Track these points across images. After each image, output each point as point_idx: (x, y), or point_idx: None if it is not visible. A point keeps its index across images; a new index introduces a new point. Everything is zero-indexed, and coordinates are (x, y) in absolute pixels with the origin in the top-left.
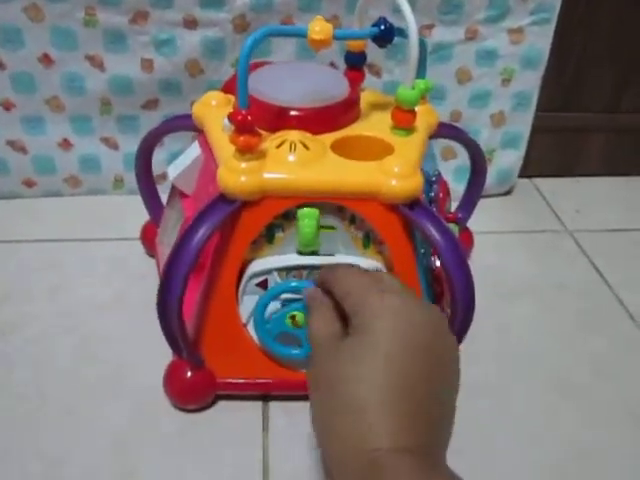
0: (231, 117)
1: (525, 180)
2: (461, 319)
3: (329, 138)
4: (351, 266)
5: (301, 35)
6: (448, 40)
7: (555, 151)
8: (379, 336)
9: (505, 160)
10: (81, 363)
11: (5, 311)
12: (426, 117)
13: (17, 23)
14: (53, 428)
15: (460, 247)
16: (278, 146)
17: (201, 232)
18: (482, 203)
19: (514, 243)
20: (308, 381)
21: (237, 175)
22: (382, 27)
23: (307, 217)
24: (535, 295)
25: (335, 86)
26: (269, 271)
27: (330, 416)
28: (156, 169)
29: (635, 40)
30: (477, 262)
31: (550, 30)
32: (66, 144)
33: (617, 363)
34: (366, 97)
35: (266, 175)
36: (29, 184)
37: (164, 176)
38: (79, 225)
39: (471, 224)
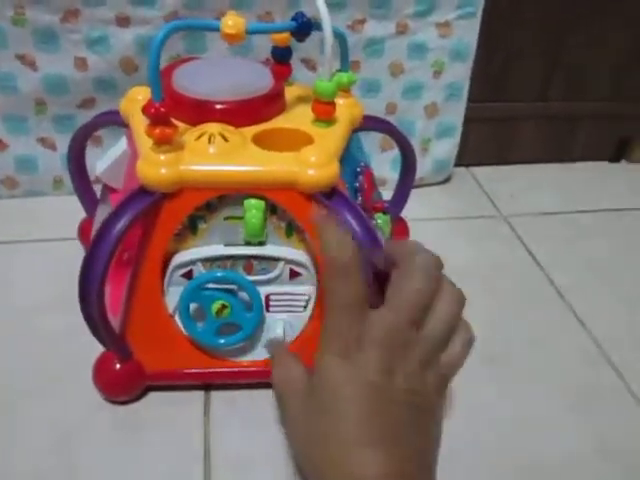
0: (144, 110)
1: (462, 169)
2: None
3: (251, 130)
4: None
5: (214, 29)
6: (380, 35)
7: (489, 140)
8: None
9: (441, 150)
10: (21, 362)
11: None
12: (350, 109)
13: None
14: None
15: (377, 236)
16: (197, 138)
17: (120, 224)
18: (421, 191)
19: (452, 229)
20: (287, 428)
21: (156, 167)
22: (299, 21)
23: (254, 208)
24: (471, 277)
25: (258, 80)
26: (193, 262)
27: (319, 450)
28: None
29: (560, 30)
30: None
31: (476, 23)
32: (1, 145)
33: (547, 338)
34: (292, 91)
35: (184, 167)
36: None
37: None
38: (18, 227)
39: (410, 212)
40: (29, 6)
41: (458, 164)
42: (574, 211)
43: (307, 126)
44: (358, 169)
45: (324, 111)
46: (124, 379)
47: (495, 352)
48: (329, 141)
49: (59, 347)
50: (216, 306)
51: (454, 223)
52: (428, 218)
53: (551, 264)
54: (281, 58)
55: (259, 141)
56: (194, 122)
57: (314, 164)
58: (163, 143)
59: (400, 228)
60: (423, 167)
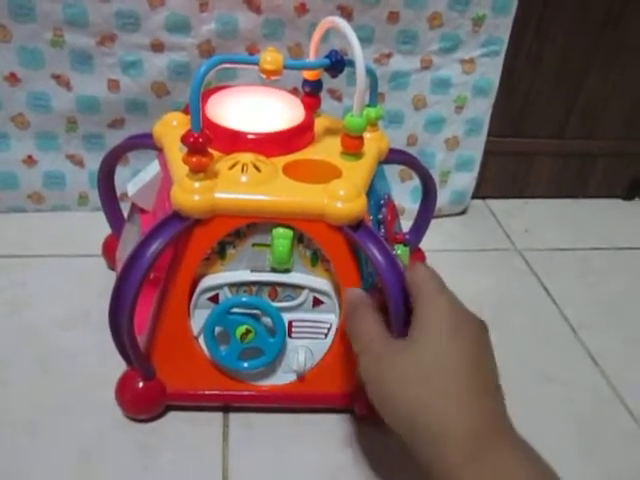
0: (184, 139)
1: (479, 201)
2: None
3: (282, 161)
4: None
5: (253, 64)
6: (405, 69)
7: (506, 174)
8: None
9: (459, 182)
10: (44, 379)
11: None
12: (377, 143)
13: None
14: (14, 446)
15: (400, 269)
16: (231, 167)
17: (153, 247)
18: (438, 222)
19: (466, 261)
20: (370, 386)
21: (190, 194)
22: (332, 59)
23: (282, 237)
24: (484, 310)
25: (290, 111)
26: (220, 286)
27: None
28: (122, 187)
29: (578, 72)
30: None
31: (499, 61)
32: (30, 160)
33: (559, 374)
34: (321, 122)
35: (217, 195)
36: None
37: None
38: (43, 241)
39: (427, 242)
40: (68, 29)
41: (475, 196)
42: (588, 248)
43: (335, 158)
44: (382, 201)
45: (353, 145)
46: (146, 397)
47: (505, 386)
48: (357, 175)
49: (81, 364)
50: (240, 330)
51: (469, 255)
52: (443, 249)
53: (565, 300)
54: (311, 90)
55: (289, 171)
56: (227, 151)
57: (343, 197)
58: (199, 171)
59: (417, 258)
60: (441, 198)
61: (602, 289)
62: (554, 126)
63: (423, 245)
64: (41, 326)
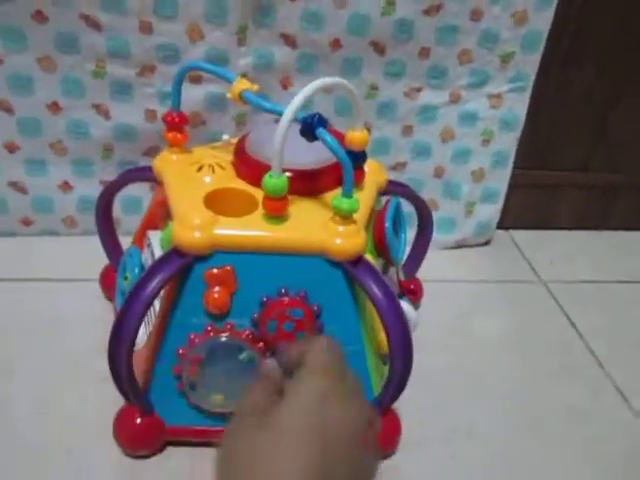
0: (164, 117)
1: (503, 232)
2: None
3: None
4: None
5: (227, 80)
6: (434, 102)
7: (531, 205)
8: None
9: (484, 213)
10: (82, 403)
11: (3, 349)
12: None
13: (30, 72)
14: (54, 470)
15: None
16: (198, 170)
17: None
18: (462, 253)
19: (490, 292)
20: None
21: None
22: (306, 121)
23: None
24: (508, 342)
25: (319, 154)
26: None
27: None
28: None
29: (603, 105)
30: (454, 309)
31: (526, 96)
32: (66, 186)
33: (585, 408)
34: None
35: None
36: (26, 222)
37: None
38: (75, 264)
39: (449, 273)
40: (110, 60)
41: (499, 227)
42: (612, 281)
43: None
44: (265, 298)
45: (273, 208)
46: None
47: (531, 420)
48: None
49: None
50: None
51: (493, 286)
52: (467, 280)
53: (590, 331)
54: (354, 162)
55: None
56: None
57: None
58: (174, 146)
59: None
60: (466, 229)
61: (627, 322)
62: (579, 159)
63: (445, 275)
64: (78, 349)
